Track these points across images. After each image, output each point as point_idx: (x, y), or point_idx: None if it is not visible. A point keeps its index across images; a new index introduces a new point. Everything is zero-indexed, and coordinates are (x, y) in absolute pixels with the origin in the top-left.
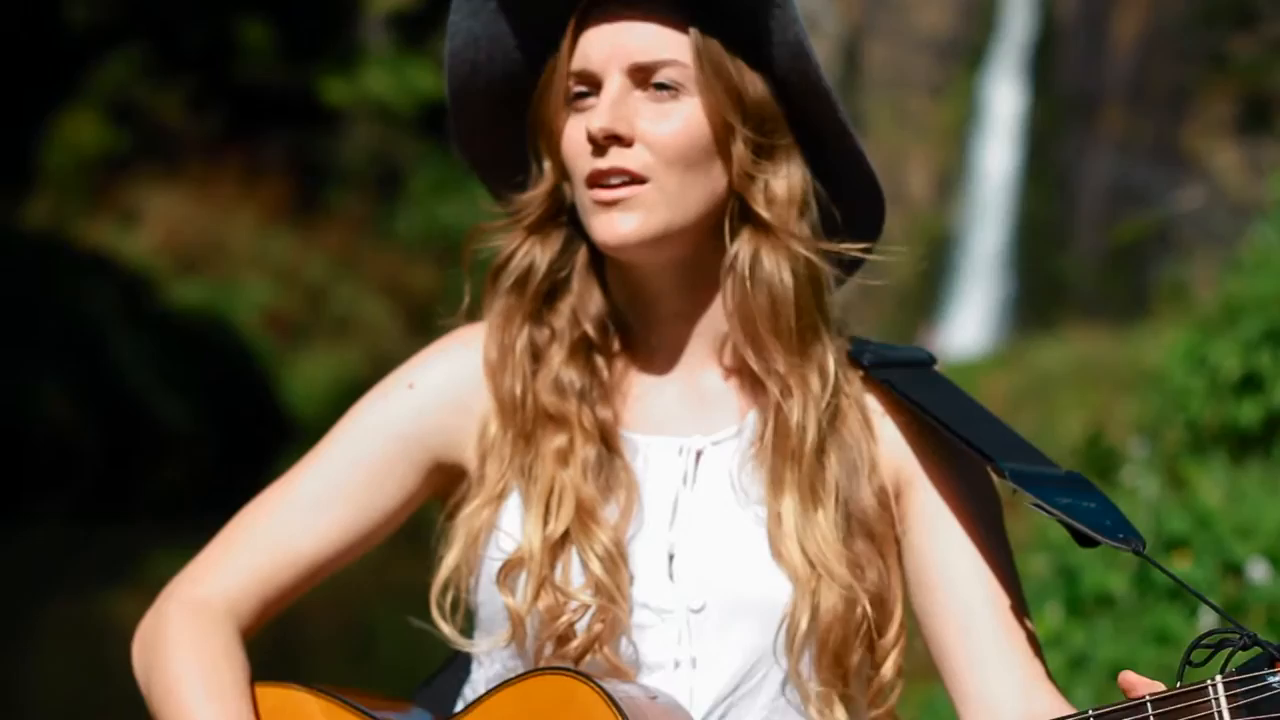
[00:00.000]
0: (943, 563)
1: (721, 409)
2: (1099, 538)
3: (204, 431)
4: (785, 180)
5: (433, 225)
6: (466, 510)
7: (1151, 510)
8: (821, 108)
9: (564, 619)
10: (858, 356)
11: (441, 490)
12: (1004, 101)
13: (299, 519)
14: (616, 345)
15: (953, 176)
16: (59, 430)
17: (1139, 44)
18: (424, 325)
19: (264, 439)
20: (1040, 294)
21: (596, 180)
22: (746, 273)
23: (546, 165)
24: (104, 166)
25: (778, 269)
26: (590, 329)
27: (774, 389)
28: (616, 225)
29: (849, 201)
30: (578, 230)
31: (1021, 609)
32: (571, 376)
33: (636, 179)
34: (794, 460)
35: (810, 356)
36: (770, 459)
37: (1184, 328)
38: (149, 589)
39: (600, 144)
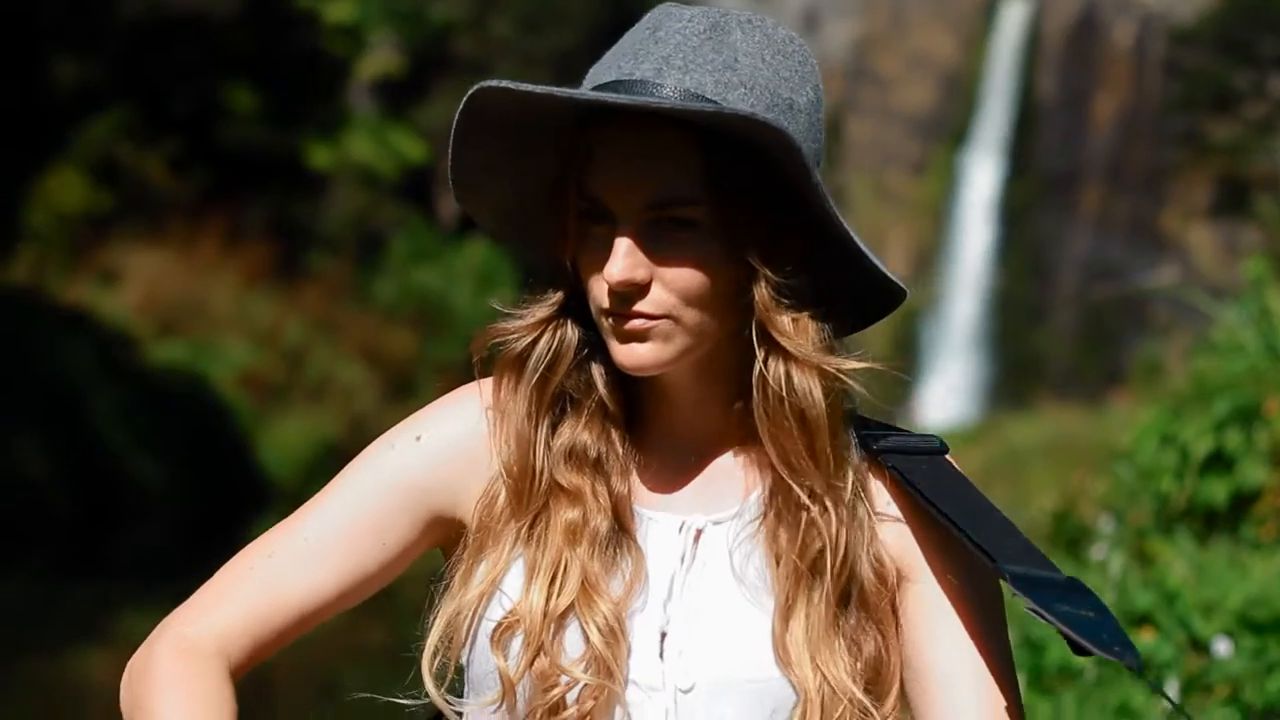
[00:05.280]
0: (940, 659)
1: (726, 486)
2: (1095, 650)
3: (179, 491)
4: (808, 311)
5: (411, 290)
6: (473, 575)
7: (1117, 586)
8: (843, 250)
9: (557, 690)
10: (867, 441)
11: (440, 542)
12: (983, 179)
13: (297, 564)
14: (630, 416)
15: (931, 252)
16: (34, 487)
17: (1117, 125)
18: (401, 389)
19: (239, 500)
20: (1015, 370)
21: (614, 313)
22: (782, 392)
23: (558, 275)
24: (87, 225)
25: (810, 391)
26: (606, 398)
27: (807, 502)
28: (637, 353)
29: (859, 297)
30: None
31: (1017, 711)
32: (586, 443)
33: (656, 318)
34: (815, 574)
35: (844, 474)
36: (788, 560)
37: (1154, 406)
38: (122, 648)
39: (618, 291)
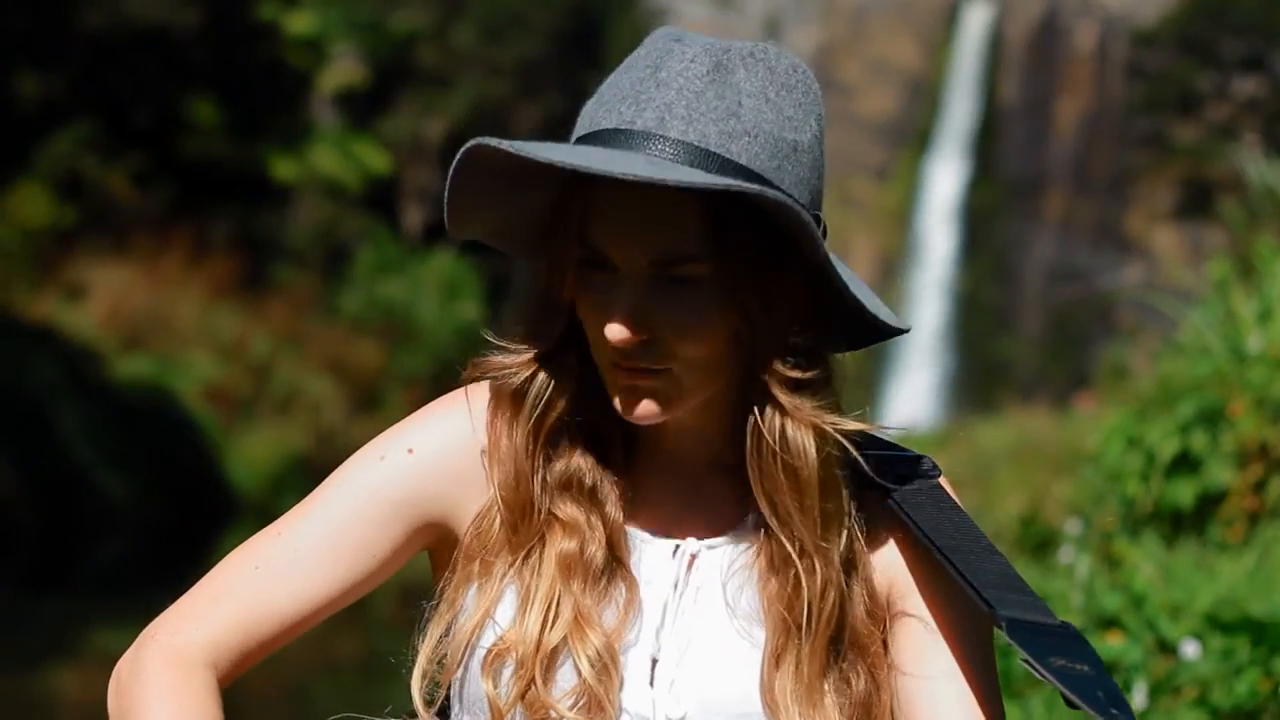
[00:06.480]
0: (929, 691)
1: (720, 510)
2: (1090, 710)
3: (146, 506)
4: (809, 369)
5: (377, 302)
6: (464, 600)
7: (1085, 589)
8: (850, 312)
9: None
10: (863, 464)
11: (429, 546)
12: (947, 184)
13: (284, 574)
14: (627, 439)
15: (896, 258)
16: (1, 502)
17: (1081, 128)
18: (368, 401)
19: (206, 514)
20: (981, 374)
21: (615, 364)
22: (775, 448)
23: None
24: (51, 240)
25: (805, 449)
26: (603, 428)
27: (795, 558)
28: (640, 407)
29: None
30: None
31: None
32: (582, 470)
33: (657, 371)
34: (802, 629)
35: (833, 530)
36: (775, 611)
37: (1120, 409)
38: (90, 663)
39: (619, 347)
